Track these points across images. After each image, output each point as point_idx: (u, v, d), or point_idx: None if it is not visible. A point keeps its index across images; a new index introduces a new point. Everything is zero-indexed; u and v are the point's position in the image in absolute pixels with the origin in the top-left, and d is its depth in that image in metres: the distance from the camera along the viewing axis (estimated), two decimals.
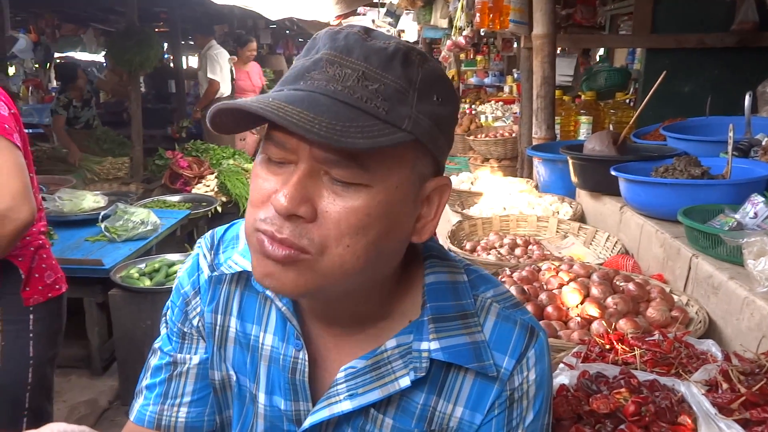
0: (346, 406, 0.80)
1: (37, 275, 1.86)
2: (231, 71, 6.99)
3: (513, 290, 1.65)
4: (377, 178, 0.69)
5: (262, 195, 0.71)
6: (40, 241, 1.90)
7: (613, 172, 2.14)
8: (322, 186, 0.69)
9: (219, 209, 5.16)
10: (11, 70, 10.11)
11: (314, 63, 0.70)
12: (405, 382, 0.79)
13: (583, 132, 3.46)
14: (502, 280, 1.80)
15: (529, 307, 1.58)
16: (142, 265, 3.40)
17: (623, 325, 1.43)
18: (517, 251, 2.27)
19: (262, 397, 0.88)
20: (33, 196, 1.73)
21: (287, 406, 0.85)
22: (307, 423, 0.83)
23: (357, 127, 0.65)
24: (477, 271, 0.89)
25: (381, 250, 0.73)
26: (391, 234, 0.73)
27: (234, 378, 0.91)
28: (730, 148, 1.97)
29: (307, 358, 0.83)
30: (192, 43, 13.11)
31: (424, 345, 0.79)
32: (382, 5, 7.83)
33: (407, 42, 0.73)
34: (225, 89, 6.92)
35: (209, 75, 6.75)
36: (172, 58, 9.15)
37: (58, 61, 10.08)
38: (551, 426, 0.87)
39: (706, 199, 1.85)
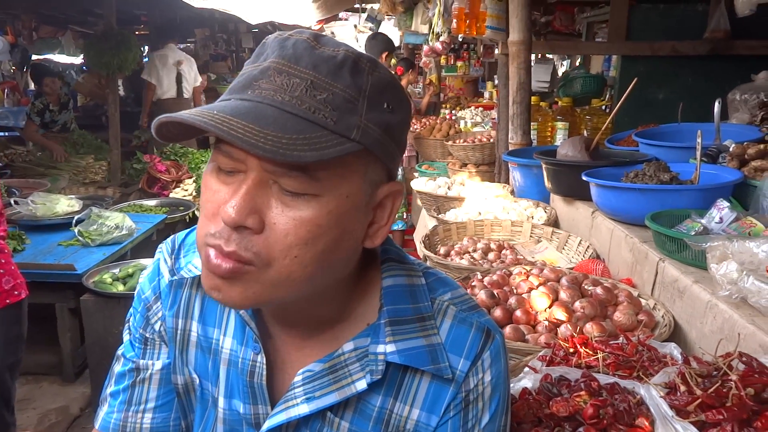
0: (304, 409, 0.80)
1: None
2: (179, 73, 6.97)
3: (482, 294, 1.66)
4: (327, 188, 0.69)
5: (213, 206, 0.71)
6: None
7: (584, 178, 2.16)
8: (270, 196, 0.68)
9: (197, 213, 5.12)
10: None
11: (262, 72, 0.69)
12: (361, 385, 0.79)
13: (560, 137, 3.49)
14: (473, 284, 1.80)
15: (499, 312, 1.59)
16: (116, 270, 3.36)
17: (590, 328, 1.44)
18: (491, 256, 2.28)
19: (221, 401, 0.87)
20: None
21: (246, 409, 0.85)
22: (265, 426, 0.82)
23: (304, 139, 0.65)
24: (435, 274, 0.89)
25: (331, 258, 0.72)
26: (342, 242, 0.73)
27: (197, 381, 0.90)
28: (698, 153, 2.00)
29: (264, 362, 0.83)
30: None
31: (381, 348, 0.79)
32: (363, 10, 7.85)
33: (356, 50, 0.73)
34: (167, 91, 6.96)
35: (143, 76, 6.80)
36: None
37: (33, 62, 9.94)
38: (510, 429, 0.88)
39: (674, 204, 1.87)
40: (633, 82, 2.43)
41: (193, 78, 7.03)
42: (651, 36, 3.63)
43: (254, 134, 0.63)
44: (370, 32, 8.06)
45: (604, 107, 4.01)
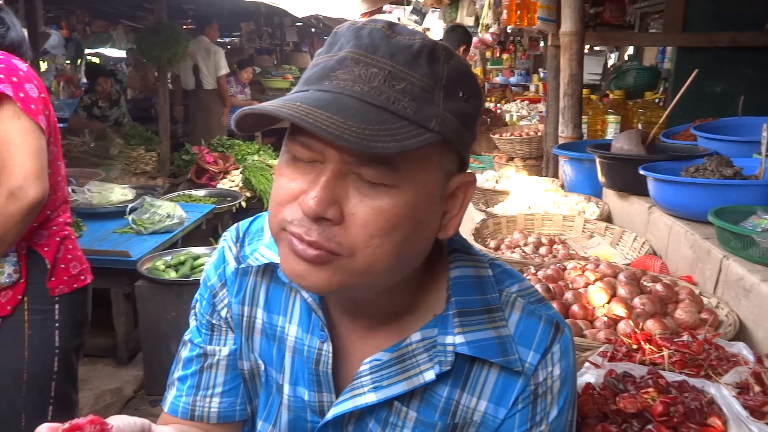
0: (371, 398, 0.80)
1: (62, 266, 1.89)
2: (195, 65, 7.11)
3: (538, 288, 1.63)
4: (405, 178, 0.69)
5: (287, 194, 0.71)
6: (66, 232, 1.93)
7: (641, 172, 2.11)
8: (349, 187, 0.68)
9: (243, 204, 5.21)
10: (43, 66, 10.32)
11: (338, 62, 0.69)
12: (430, 375, 0.79)
13: (611, 131, 3.41)
14: (527, 278, 1.78)
15: (555, 306, 1.56)
16: (168, 258, 3.45)
17: (650, 325, 1.41)
18: (542, 250, 2.25)
19: (286, 388, 0.88)
20: (46, 179, 1.72)
21: (311, 397, 0.86)
22: (331, 414, 0.83)
23: (386, 130, 0.64)
24: (501, 266, 0.88)
25: (409, 248, 0.72)
26: (419, 232, 0.72)
27: (262, 368, 0.91)
28: (763, 148, 1.92)
29: (331, 350, 0.83)
30: (219, 40, 13.25)
31: (449, 339, 0.79)
32: (408, 3, 7.82)
33: (431, 38, 0.72)
34: (188, 83, 7.20)
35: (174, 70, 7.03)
36: None
37: (89, 59, 10.27)
38: (576, 424, 0.86)
39: (738, 200, 1.81)
40: (693, 74, 2.35)
41: (213, 68, 7.08)
42: (709, 27, 3.51)
43: (338, 126, 0.62)
44: (415, 24, 8.03)
45: (658, 100, 3.89)
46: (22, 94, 1.67)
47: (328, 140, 0.63)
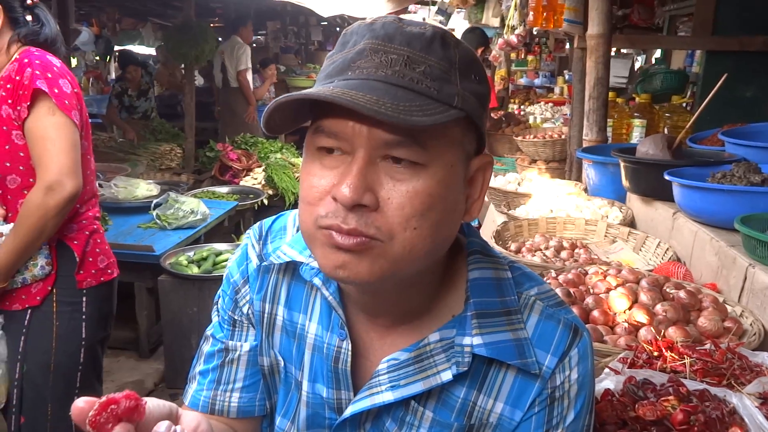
0: (388, 396, 0.81)
1: (90, 259, 1.93)
2: (222, 63, 7.15)
3: (558, 292, 1.62)
4: (434, 157, 0.70)
5: (318, 191, 0.72)
6: (95, 226, 1.97)
7: (667, 177, 2.08)
8: (380, 173, 0.70)
9: (265, 202, 5.25)
10: (73, 62, 10.52)
11: (358, 53, 0.71)
12: (447, 375, 0.79)
13: (636, 135, 3.37)
14: (547, 282, 1.77)
15: (575, 311, 1.55)
16: (191, 253, 3.49)
17: (672, 333, 1.39)
18: (563, 254, 2.23)
19: (305, 385, 0.89)
20: (81, 173, 1.77)
21: (329, 394, 0.86)
22: (348, 412, 0.84)
23: (416, 106, 0.67)
24: (521, 268, 0.88)
25: (443, 230, 0.74)
26: (450, 213, 0.74)
27: (282, 364, 0.92)
28: None
29: (350, 348, 0.84)
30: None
31: (467, 340, 0.79)
32: (433, 3, 7.79)
33: (439, 26, 0.75)
34: (218, 82, 7.20)
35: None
36: None
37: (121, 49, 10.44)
38: (594, 429, 0.86)
39: (766, 208, 1.77)
40: (722, 79, 2.31)
41: (234, 65, 7.13)
42: (739, 30, 3.44)
43: (374, 102, 0.65)
44: (440, 25, 8.00)
45: (685, 105, 3.83)
46: (56, 90, 1.71)
47: (368, 115, 0.64)
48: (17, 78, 1.69)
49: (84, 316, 1.92)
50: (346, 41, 0.75)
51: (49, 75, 1.72)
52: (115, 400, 0.60)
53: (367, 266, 0.71)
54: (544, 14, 3.54)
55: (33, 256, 1.79)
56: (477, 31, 5.19)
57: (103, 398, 0.60)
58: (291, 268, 0.91)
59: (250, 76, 7.15)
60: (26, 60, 1.71)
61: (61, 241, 1.86)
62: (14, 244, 1.72)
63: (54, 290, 1.86)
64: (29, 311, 1.84)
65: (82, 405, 0.60)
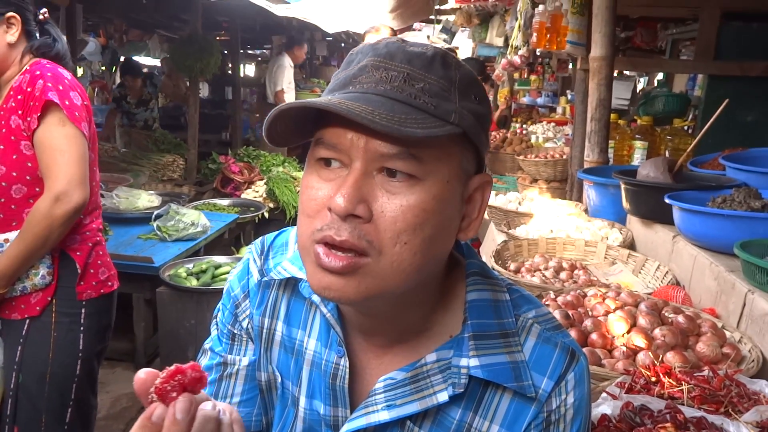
0: (384, 416, 0.81)
1: (92, 271, 1.93)
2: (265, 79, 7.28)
3: (557, 315, 1.62)
4: (430, 172, 0.71)
5: (316, 204, 0.73)
6: (98, 238, 1.97)
7: (667, 200, 2.08)
8: (375, 187, 0.71)
9: (266, 215, 5.25)
10: (80, 72, 10.59)
11: (360, 69, 0.73)
12: (443, 396, 0.79)
13: (638, 157, 3.38)
14: (546, 303, 1.77)
15: (573, 333, 1.55)
16: (190, 265, 3.49)
17: (671, 358, 1.38)
18: (563, 275, 2.23)
19: (302, 401, 0.89)
20: (89, 185, 1.79)
21: (326, 411, 0.86)
22: (344, 429, 0.83)
23: (413, 119, 0.68)
24: (519, 291, 0.88)
25: (434, 247, 0.74)
26: (444, 230, 0.75)
27: (279, 379, 0.92)
28: None
29: (348, 365, 0.84)
30: (250, 52, 13.46)
31: (464, 361, 0.79)
32: (438, 22, 7.88)
33: (441, 47, 0.77)
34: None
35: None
36: (230, 65, 9.42)
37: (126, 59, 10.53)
38: None
39: (766, 233, 1.77)
40: (723, 104, 2.33)
41: (273, 83, 7.27)
42: (741, 55, 3.47)
43: (369, 112, 0.66)
44: (444, 43, 8.07)
45: (686, 128, 3.85)
46: (67, 102, 1.73)
47: (363, 124, 0.66)
48: (28, 89, 1.71)
49: (82, 328, 1.91)
50: (351, 60, 0.77)
51: (61, 87, 1.73)
52: (182, 370, 0.63)
53: (353, 286, 0.71)
54: (548, 36, 3.57)
55: (35, 264, 1.79)
56: (471, 61, 5.38)
57: (172, 367, 0.63)
58: (291, 284, 0.91)
59: (290, 96, 7.28)
60: (38, 72, 1.73)
61: (63, 251, 1.87)
62: (18, 251, 1.72)
63: (54, 301, 1.86)
64: (28, 321, 1.83)
65: (143, 376, 0.63)
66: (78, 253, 1.89)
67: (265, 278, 0.92)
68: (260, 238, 0.98)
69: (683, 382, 1.15)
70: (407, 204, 0.70)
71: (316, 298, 0.85)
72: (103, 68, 11.39)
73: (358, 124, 0.67)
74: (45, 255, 1.80)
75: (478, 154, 0.78)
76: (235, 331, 0.95)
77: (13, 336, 1.84)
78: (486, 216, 3.73)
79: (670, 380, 1.17)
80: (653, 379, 1.21)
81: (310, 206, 0.73)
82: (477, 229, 0.81)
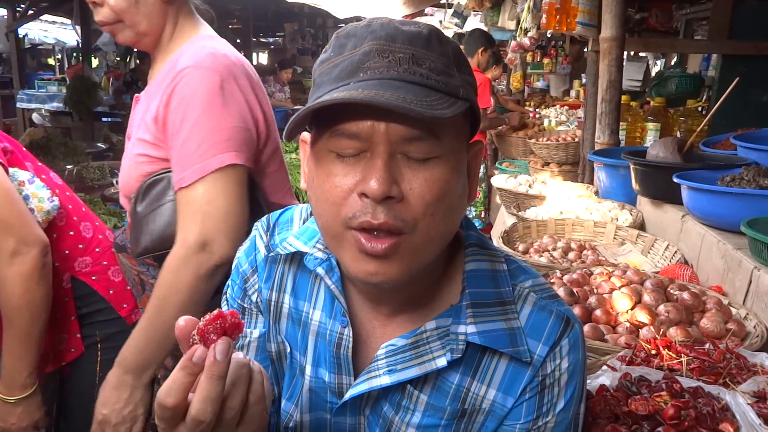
0: (385, 380, 0.84)
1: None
2: None
3: (561, 291, 1.64)
4: (446, 147, 0.75)
5: (342, 190, 0.74)
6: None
7: (675, 180, 2.08)
8: (401, 166, 0.74)
9: None
10: (95, 62, 10.68)
11: (364, 55, 0.74)
12: (441, 362, 0.83)
13: (650, 139, 3.36)
14: (552, 281, 1.78)
15: (577, 310, 1.57)
16: None
17: (673, 333, 1.40)
18: (571, 255, 2.24)
19: (309, 369, 0.92)
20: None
21: (331, 378, 0.90)
22: (348, 395, 0.87)
23: (433, 100, 0.71)
24: (517, 261, 0.91)
25: (455, 214, 0.79)
26: (461, 198, 0.79)
27: (288, 349, 0.96)
28: None
29: (351, 335, 0.87)
30: (262, 40, 13.48)
31: (462, 328, 0.82)
32: (450, 6, 7.81)
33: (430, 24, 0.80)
34: None
35: None
36: (243, 54, 9.46)
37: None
38: (585, 422, 0.88)
39: None
40: (734, 83, 2.31)
41: None
42: (756, 35, 3.42)
43: (402, 99, 0.68)
44: (456, 27, 8.02)
45: (700, 108, 3.81)
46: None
47: (398, 111, 0.68)
48: None
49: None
50: (342, 44, 0.77)
51: None
52: (223, 315, 0.67)
53: (397, 267, 0.75)
54: (557, 17, 3.54)
55: None
56: (477, 32, 5.32)
57: (213, 312, 0.67)
58: (297, 258, 0.94)
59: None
60: None
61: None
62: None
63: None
64: None
65: (183, 324, 0.67)
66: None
67: (272, 253, 0.95)
68: (266, 215, 1.01)
69: (683, 354, 1.17)
70: (432, 178, 0.74)
71: (320, 270, 0.88)
72: (118, 58, 11.47)
73: (381, 110, 0.69)
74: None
75: (474, 122, 0.82)
76: (245, 305, 0.99)
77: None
78: (497, 200, 3.74)
79: (670, 353, 1.19)
80: (653, 352, 1.22)
81: (335, 193, 0.75)
82: (475, 193, 0.85)
